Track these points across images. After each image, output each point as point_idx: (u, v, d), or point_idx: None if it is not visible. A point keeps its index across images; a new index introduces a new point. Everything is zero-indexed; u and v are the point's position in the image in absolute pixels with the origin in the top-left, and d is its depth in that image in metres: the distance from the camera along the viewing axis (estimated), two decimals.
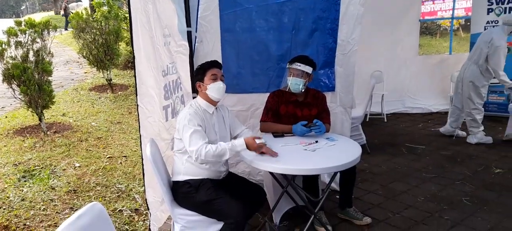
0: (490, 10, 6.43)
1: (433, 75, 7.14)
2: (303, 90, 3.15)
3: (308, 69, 3.10)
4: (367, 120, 6.58)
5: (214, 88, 2.67)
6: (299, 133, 3.03)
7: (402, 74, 7.16)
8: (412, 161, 4.78)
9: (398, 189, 3.97)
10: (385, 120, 6.64)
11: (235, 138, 2.91)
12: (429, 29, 15.52)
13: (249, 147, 2.58)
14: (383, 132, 6.04)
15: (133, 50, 2.99)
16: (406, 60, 7.14)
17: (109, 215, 3.51)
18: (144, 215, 3.60)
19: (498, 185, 3.98)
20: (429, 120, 6.66)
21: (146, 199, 3.28)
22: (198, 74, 2.71)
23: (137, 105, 3.07)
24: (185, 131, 2.54)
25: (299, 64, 3.09)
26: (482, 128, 5.33)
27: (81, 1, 26.63)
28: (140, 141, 3.16)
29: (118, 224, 3.49)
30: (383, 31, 6.78)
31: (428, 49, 13.33)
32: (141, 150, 3.18)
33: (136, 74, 3.02)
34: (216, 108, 2.76)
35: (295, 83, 3.12)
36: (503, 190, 3.84)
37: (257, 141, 2.57)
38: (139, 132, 3.13)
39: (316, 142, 2.89)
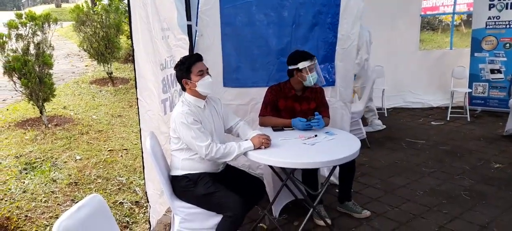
0: (492, 5, 6.42)
1: (434, 71, 7.14)
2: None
3: (316, 60, 3.16)
4: None
5: (204, 84, 2.64)
6: (299, 127, 3.05)
7: (402, 69, 7.17)
8: (412, 155, 4.80)
9: (397, 183, 4.00)
10: (386, 115, 6.65)
11: (229, 130, 2.93)
12: (430, 24, 15.46)
13: (255, 146, 2.64)
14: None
15: (132, 44, 3.00)
16: (406, 55, 7.14)
17: (110, 207, 3.54)
18: (144, 208, 3.63)
19: (497, 179, 4.00)
20: (430, 115, 6.68)
21: (146, 192, 3.30)
22: (182, 71, 2.65)
23: (137, 98, 3.08)
24: (186, 130, 2.54)
25: (311, 61, 3.12)
26: None
27: None
28: (140, 134, 3.18)
29: (119, 216, 3.52)
30: (383, 26, 6.78)
31: (429, 44, 13.30)
32: (141, 143, 3.20)
33: (136, 68, 3.03)
34: (206, 101, 2.75)
35: (315, 77, 3.16)
36: (502, 185, 3.87)
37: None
38: (139, 125, 3.15)
39: (315, 136, 2.91)
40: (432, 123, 6.23)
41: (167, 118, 3.10)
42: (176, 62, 2.69)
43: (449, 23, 13.01)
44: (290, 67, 3.19)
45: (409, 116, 6.68)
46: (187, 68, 2.63)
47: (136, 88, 3.06)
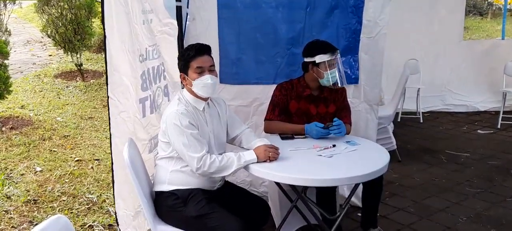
0: None
1: (481, 65, 7.13)
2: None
3: (339, 54, 3.13)
4: (399, 120, 6.59)
5: (200, 85, 2.63)
6: (315, 134, 3.05)
7: (441, 64, 7.16)
8: (453, 171, 4.78)
9: (434, 206, 3.98)
10: (421, 121, 6.65)
11: (233, 139, 2.93)
12: (477, 8, 15.45)
13: (259, 159, 2.63)
14: (418, 135, 6.04)
15: (104, 28, 2.97)
16: (447, 47, 7.13)
17: None
18: None
19: None
20: (476, 122, 6.66)
21: (115, 213, 3.30)
22: (181, 64, 2.67)
23: (108, 97, 3.06)
24: (177, 133, 2.55)
25: (332, 54, 3.09)
26: None
27: None
28: (111, 141, 3.17)
29: None
30: (418, 11, 6.78)
31: (476, 33, 13.28)
32: (111, 152, 3.19)
33: (108, 59, 2.99)
34: (207, 103, 2.76)
35: (334, 76, 3.13)
36: None
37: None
38: (110, 130, 3.14)
39: (334, 146, 2.90)
40: (479, 131, 6.21)
41: (146, 122, 3.11)
42: (162, 52, 2.70)
43: (501, 6, 12.99)
44: (305, 60, 3.18)
45: (450, 122, 6.66)
46: (186, 62, 2.65)
47: (107, 85, 3.05)
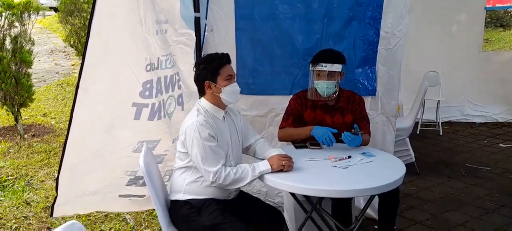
0: None
1: (501, 77, 7.02)
2: (336, 93, 3.16)
3: (337, 67, 3.09)
4: (418, 132, 6.52)
5: (230, 91, 2.68)
6: (320, 136, 3.01)
7: (460, 75, 7.06)
8: (473, 185, 4.70)
9: (453, 220, 3.92)
10: (441, 133, 6.56)
11: (247, 149, 2.93)
12: (500, 20, 15.22)
13: (274, 168, 2.63)
14: (438, 148, 5.97)
15: (89, 30, 2.91)
16: (466, 58, 7.04)
17: None
18: None
19: None
20: (498, 135, 6.54)
21: (57, 181, 3.21)
22: (208, 71, 2.68)
23: (78, 87, 2.94)
24: (197, 146, 2.56)
25: (324, 64, 3.07)
26: None
27: None
28: (70, 123, 3.03)
29: None
30: (438, 22, 6.71)
31: (497, 45, 13.09)
32: (67, 134, 3.06)
33: (87, 57, 2.90)
34: (225, 112, 2.79)
35: (325, 87, 3.11)
36: None
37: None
38: (72, 113, 3.01)
39: (349, 157, 2.88)
40: (501, 144, 6.10)
41: (141, 125, 3.16)
42: (178, 62, 2.72)
43: None
44: None
45: (471, 135, 6.56)
46: (215, 69, 2.67)
47: (79, 77, 2.93)
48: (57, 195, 3.23)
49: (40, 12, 6.77)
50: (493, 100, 7.11)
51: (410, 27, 3.67)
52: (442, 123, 6.71)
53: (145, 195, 3.28)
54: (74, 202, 3.30)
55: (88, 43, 2.87)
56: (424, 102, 5.95)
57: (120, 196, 3.36)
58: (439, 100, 6.57)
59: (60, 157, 3.16)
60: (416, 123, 6.23)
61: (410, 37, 3.73)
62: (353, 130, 3.01)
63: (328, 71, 3.08)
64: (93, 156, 3.13)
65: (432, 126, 6.70)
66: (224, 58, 2.70)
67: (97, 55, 2.93)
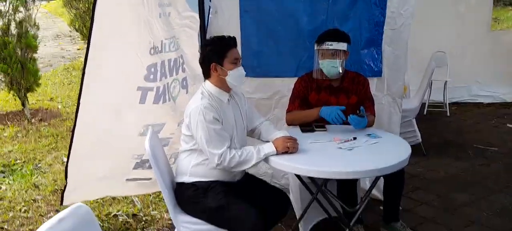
0: None
1: (510, 56, 6.95)
2: (341, 72, 3.15)
3: (342, 46, 3.08)
4: (425, 113, 6.50)
5: (236, 75, 2.68)
6: (328, 115, 3.00)
7: (468, 55, 7.00)
8: (480, 166, 4.70)
9: (459, 200, 3.92)
10: (448, 114, 6.53)
11: (252, 131, 2.94)
12: None
13: (278, 150, 2.63)
14: (445, 129, 5.96)
15: (93, 14, 2.91)
16: (474, 38, 6.98)
17: (101, 220, 3.64)
18: (143, 222, 3.69)
19: None
20: (505, 115, 6.51)
21: (66, 169, 3.22)
22: (214, 54, 2.68)
23: (84, 71, 2.94)
24: (201, 129, 2.57)
25: (330, 43, 3.07)
26: None
27: None
28: (77, 109, 3.03)
29: None
30: (445, 1, 6.67)
31: (506, 24, 12.94)
32: (75, 120, 3.06)
33: (92, 45, 2.89)
34: (230, 95, 2.79)
35: (330, 66, 3.10)
36: None
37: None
38: (79, 99, 3.01)
39: (354, 138, 2.88)
40: (508, 125, 6.07)
41: (146, 108, 3.17)
42: (182, 45, 2.71)
43: None
44: None
45: (478, 115, 6.53)
46: (222, 52, 2.67)
47: (85, 61, 2.93)
48: (66, 183, 3.25)
49: None
50: (501, 80, 7.05)
51: (417, 7, 3.63)
52: (449, 103, 6.68)
53: (151, 178, 3.30)
54: (82, 188, 3.32)
55: (93, 28, 2.86)
56: (431, 83, 5.91)
57: (127, 180, 3.39)
58: (446, 81, 6.54)
59: (69, 143, 3.15)
60: (423, 104, 6.20)
61: (417, 17, 3.69)
62: (358, 111, 3.00)
63: (334, 50, 3.07)
64: (100, 141, 3.15)
65: (439, 107, 6.67)
66: (231, 41, 2.70)
67: (101, 39, 2.93)
